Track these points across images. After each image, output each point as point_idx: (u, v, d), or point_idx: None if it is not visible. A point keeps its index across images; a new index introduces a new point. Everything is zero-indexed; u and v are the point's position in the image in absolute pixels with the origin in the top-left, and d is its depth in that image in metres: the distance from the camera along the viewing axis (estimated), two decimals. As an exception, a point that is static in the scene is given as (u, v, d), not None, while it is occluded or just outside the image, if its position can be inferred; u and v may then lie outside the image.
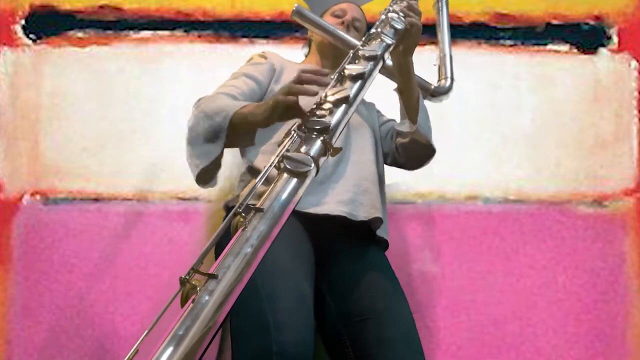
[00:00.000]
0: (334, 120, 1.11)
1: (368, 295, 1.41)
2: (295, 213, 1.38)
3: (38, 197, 2.02)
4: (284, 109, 1.17)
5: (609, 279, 2.04)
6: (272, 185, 0.95)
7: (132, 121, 2.08)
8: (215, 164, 1.36)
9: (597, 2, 2.24)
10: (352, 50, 1.34)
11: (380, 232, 1.53)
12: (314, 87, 1.16)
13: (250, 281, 1.25)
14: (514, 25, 2.22)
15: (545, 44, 2.21)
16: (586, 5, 2.23)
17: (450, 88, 1.77)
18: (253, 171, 1.49)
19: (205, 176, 1.37)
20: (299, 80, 1.17)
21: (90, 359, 1.90)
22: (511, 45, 2.21)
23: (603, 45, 2.22)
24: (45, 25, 2.12)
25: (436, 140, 1.64)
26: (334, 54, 1.70)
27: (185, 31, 2.15)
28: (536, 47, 2.21)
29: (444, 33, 1.82)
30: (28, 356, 1.91)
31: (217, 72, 2.05)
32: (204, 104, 1.38)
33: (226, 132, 1.29)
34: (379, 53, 1.33)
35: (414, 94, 1.56)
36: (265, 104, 1.23)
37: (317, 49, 1.76)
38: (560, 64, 2.20)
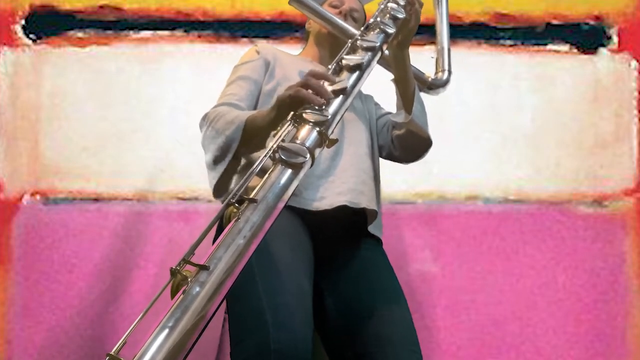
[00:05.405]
0: (330, 111, 1.09)
1: (367, 293, 1.40)
2: (294, 210, 1.38)
3: (38, 197, 2.02)
4: (290, 102, 1.15)
5: (609, 279, 2.04)
6: (267, 175, 0.93)
7: (132, 121, 2.09)
8: (227, 176, 1.38)
9: (597, 2, 2.23)
10: (350, 40, 1.31)
11: (373, 229, 1.50)
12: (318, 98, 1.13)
13: (250, 277, 1.25)
14: (514, 25, 2.22)
15: (545, 44, 2.21)
16: (586, 5, 2.23)
17: (447, 80, 1.73)
18: (251, 165, 1.48)
19: (220, 189, 1.40)
20: (305, 85, 1.14)
21: (90, 359, 1.90)
22: (511, 45, 2.21)
23: (603, 45, 2.21)
24: (45, 25, 2.12)
25: (436, 140, 1.62)
26: (331, 44, 1.66)
27: (185, 31, 2.15)
28: (536, 47, 2.21)
29: (443, 25, 1.78)
30: (28, 356, 1.91)
31: (217, 72, 2.05)
32: (213, 122, 1.39)
33: (238, 142, 1.30)
34: (377, 44, 1.30)
35: (409, 85, 1.54)
36: (272, 106, 1.23)
37: (315, 39, 1.72)
38: (560, 64, 2.20)
